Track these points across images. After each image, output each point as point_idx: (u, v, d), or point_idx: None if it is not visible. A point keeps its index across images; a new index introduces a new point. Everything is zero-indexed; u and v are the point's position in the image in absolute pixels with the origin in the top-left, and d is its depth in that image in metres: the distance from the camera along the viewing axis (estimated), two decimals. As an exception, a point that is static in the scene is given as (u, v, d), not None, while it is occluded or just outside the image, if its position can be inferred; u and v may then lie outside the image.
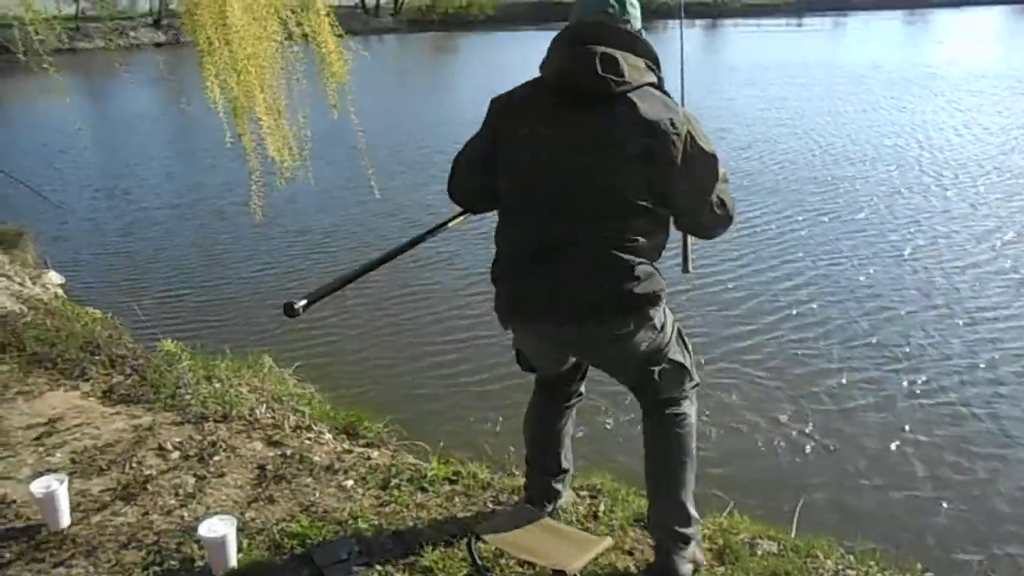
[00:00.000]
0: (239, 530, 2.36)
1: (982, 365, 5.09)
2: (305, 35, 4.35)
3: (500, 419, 4.38)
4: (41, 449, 3.00)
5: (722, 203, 2.12)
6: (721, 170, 2.08)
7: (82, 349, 3.90)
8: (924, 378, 4.95)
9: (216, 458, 2.93)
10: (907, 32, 36.55)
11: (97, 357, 3.83)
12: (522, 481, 2.67)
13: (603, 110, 1.97)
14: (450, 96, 19.04)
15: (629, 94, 1.97)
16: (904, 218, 8.27)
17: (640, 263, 2.02)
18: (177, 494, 2.71)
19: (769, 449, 4.23)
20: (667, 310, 2.17)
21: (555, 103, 2.03)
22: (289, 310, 2.02)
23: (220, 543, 2.26)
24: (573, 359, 2.37)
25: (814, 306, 6.09)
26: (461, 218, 2.36)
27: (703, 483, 2.59)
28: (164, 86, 17.49)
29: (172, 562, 2.36)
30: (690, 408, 2.26)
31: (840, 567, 2.50)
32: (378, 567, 2.33)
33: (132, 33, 31.49)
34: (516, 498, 2.68)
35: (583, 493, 2.77)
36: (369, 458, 3.03)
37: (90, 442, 3.04)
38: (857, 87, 17.54)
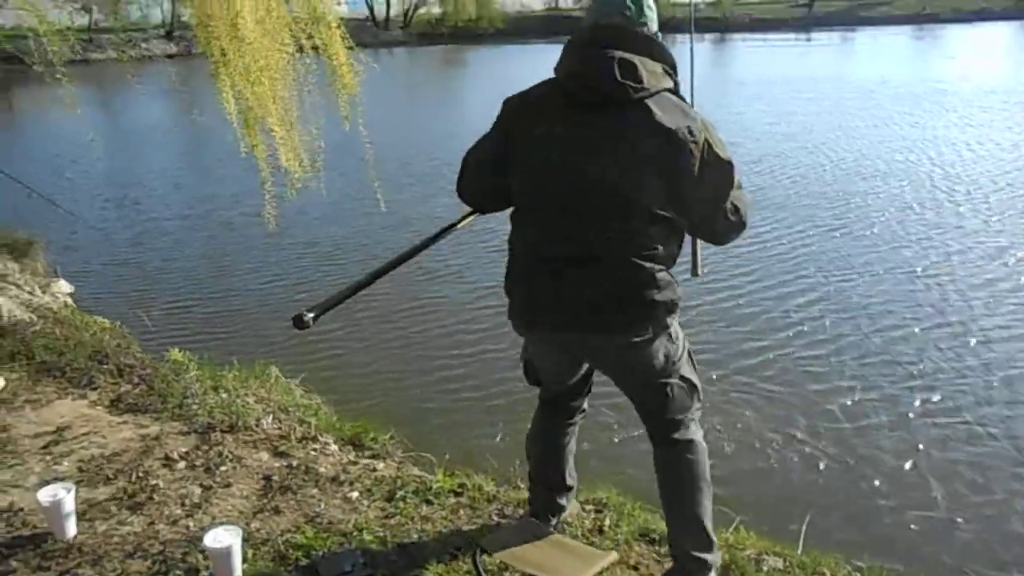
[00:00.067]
0: (244, 540, 2.36)
1: (997, 384, 5.03)
2: (316, 47, 4.38)
3: (505, 432, 4.37)
4: (48, 458, 3.00)
5: (736, 209, 2.11)
6: (736, 177, 2.07)
7: (90, 358, 3.92)
8: (938, 396, 4.89)
9: (222, 468, 2.94)
10: (916, 47, 36.52)
11: (105, 366, 3.84)
12: (527, 494, 2.67)
13: (619, 115, 1.96)
14: (459, 109, 19.12)
15: (647, 100, 1.95)
16: (917, 234, 8.21)
17: (660, 270, 2.02)
18: (183, 504, 2.71)
19: (778, 465, 4.21)
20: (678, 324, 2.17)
21: (570, 105, 2.01)
22: (299, 322, 1.96)
23: (225, 553, 2.25)
24: (583, 371, 2.35)
25: (826, 322, 6.05)
26: (471, 218, 2.33)
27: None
28: (176, 97, 17.62)
29: (177, 572, 2.35)
30: (698, 432, 2.25)
31: (847, 584, 2.49)
32: (383, 579, 2.32)
33: (144, 44, 31.76)
34: (521, 511, 2.67)
35: (588, 507, 2.77)
36: (375, 470, 3.03)
37: (97, 451, 3.04)
38: (867, 102, 17.50)
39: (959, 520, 3.75)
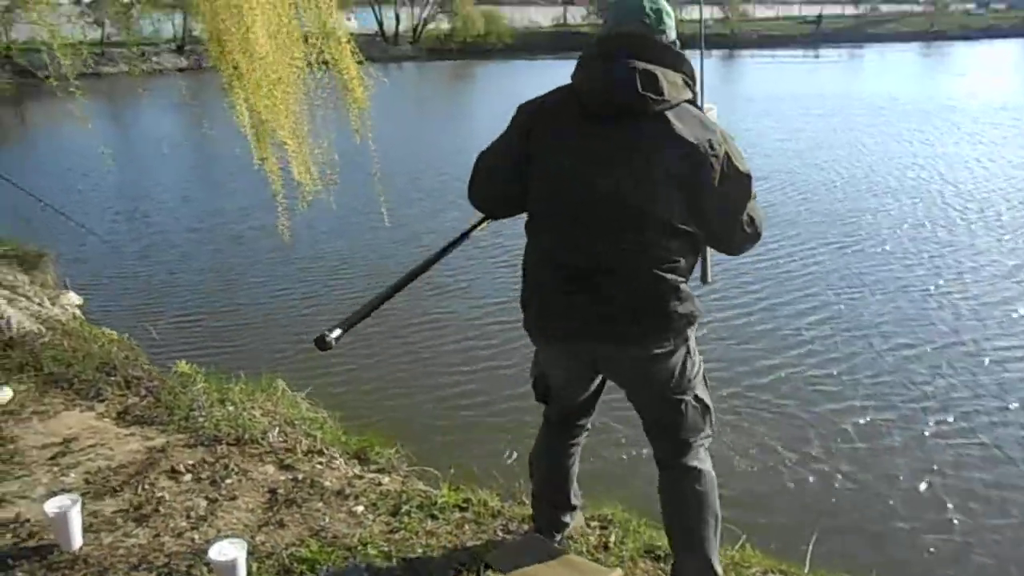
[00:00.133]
0: (249, 554, 2.36)
1: (1014, 406, 4.99)
2: (326, 62, 4.41)
3: (511, 448, 4.37)
4: (56, 469, 3.01)
5: (751, 221, 2.10)
6: (753, 189, 2.07)
7: (98, 370, 3.93)
8: (952, 417, 4.86)
9: (228, 481, 2.94)
10: (924, 64, 36.54)
11: (113, 378, 3.85)
12: (531, 510, 2.66)
13: (637, 127, 1.94)
14: (468, 124, 19.18)
15: (666, 112, 1.94)
16: (929, 252, 8.19)
17: (682, 282, 2.02)
18: (188, 516, 2.71)
19: (790, 483, 4.19)
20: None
21: (587, 114, 1.99)
22: (321, 343, 1.87)
23: (230, 567, 2.25)
24: (594, 387, 2.34)
25: (838, 340, 6.02)
26: (484, 224, 2.32)
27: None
28: (186, 111, 17.73)
29: (182, 585, 2.36)
30: (707, 461, 2.23)
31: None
32: (387, 594, 2.32)
33: (156, 58, 31.96)
34: (526, 527, 2.67)
35: (593, 523, 2.76)
36: (380, 484, 3.02)
37: (104, 463, 3.05)
38: (876, 118, 17.51)
39: (974, 543, 3.71)
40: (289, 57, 4.23)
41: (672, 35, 2.07)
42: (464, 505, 2.84)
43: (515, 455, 4.22)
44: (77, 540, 2.50)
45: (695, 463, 2.19)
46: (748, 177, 2.03)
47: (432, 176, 12.28)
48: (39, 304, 5.38)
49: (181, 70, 30.93)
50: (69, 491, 2.72)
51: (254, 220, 9.83)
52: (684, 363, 2.11)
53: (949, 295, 6.95)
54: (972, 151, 13.58)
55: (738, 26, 49.28)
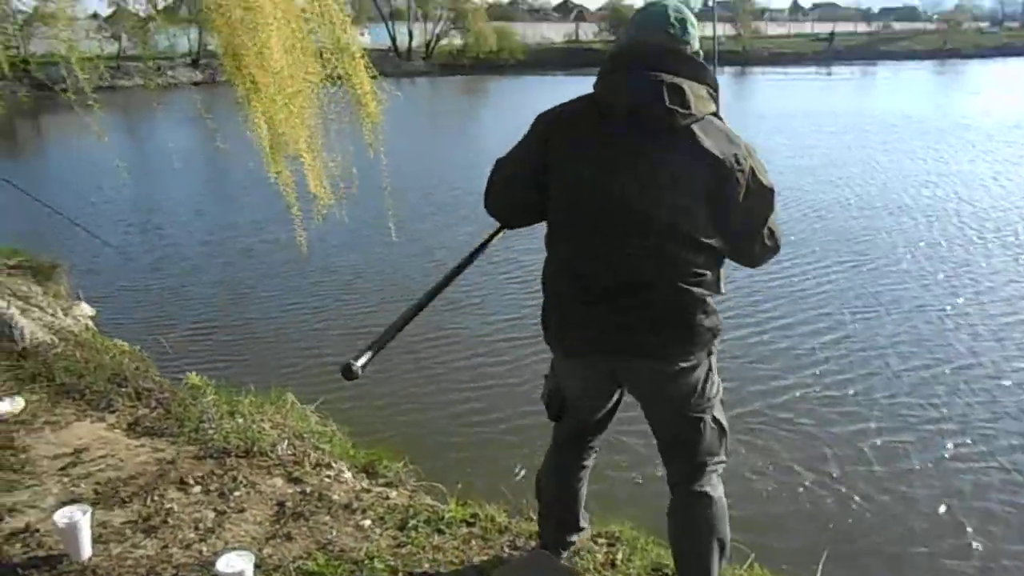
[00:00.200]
0: (256, 566, 2.36)
1: (1036, 430, 4.89)
2: (339, 76, 4.45)
3: (518, 464, 4.35)
4: (66, 479, 3.03)
5: (772, 234, 2.10)
6: (775, 203, 2.06)
7: (110, 381, 3.95)
8: (971, 439, 4.78)
9: (236, 493, 2.94)
10: (938, 82, 36.49)
11: (124, 389, 3.87)
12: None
13: (662, 141, 1.91)
14: (480, 139, 19.25)
15: (692, 126, 1.91)
16: (945, 271, 8.09)
17: (708, 295, 2.01)
18: (197, 528, 2.72)
19: (801, 504, 4.14)
20: None
21: (610, 125, 1.95)
22: (347, 372, 1.78)
23: (237, 579, 2.26)
24: (611, 404, 2.31)
25: (854, 360, 5.96)
26: (500, 234, 2.31)
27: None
28: (200, 124, 17.81)
29: (189, 597, 2.36)
30: (719, 488, 2.20)
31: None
32: (393, 609, 2.31)
33: (171, 72, 32.29)
34: (533, 543, 2.66)
35: (601, 540, 2.74)
36: (387, 498, 3.02)
37: (114, 473, 3.06)
38: (889, 136, 17.46)
39: (995, 569, 3.65)
40: (304, 71, 4.27)
41: (696, 45, 2.04)
42: (471, 520, 2.83)
43: (523, 472, 4.21)
44: (86, 550, 2.51)
45: (707, 489, 2.17)
46: (771, 191, 2.02)
47: (444, 191, 12.32)
48: (52, 315, 5.41)
49: (196, 84, 31.25)
50: (79, 501, 2.73)
51: (266, 234, 9.89)
52: (706, 380, 2.10)
53: (967, 315, 6.85)
54: (988, 169, 13.47)
55: (750, 43, 49.46)
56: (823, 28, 60.00)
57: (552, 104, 2.13)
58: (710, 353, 2.09)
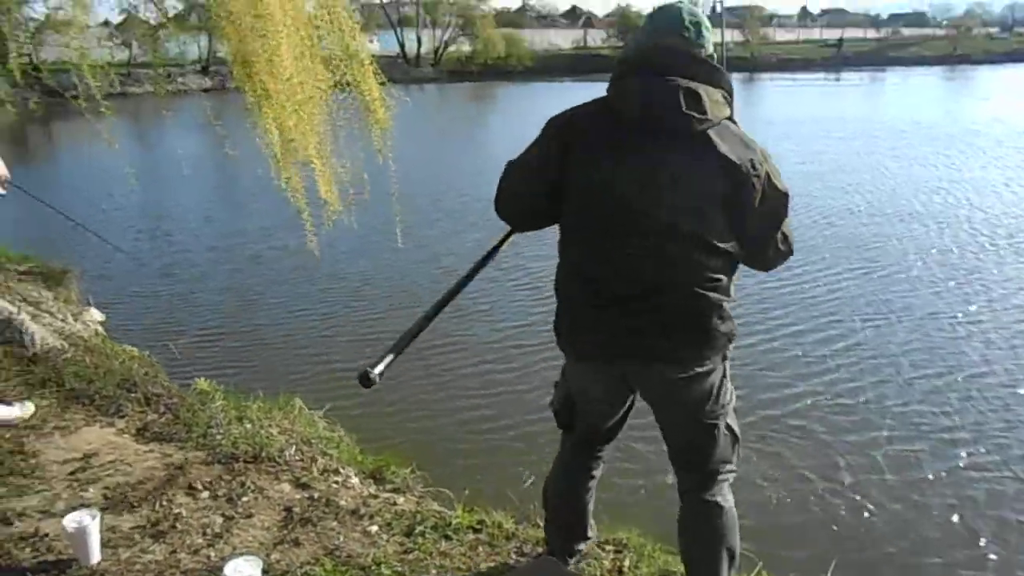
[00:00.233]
0: (264, 572, 2.36)
1: (1053, 440, 4.84)
2: (347, 83, 4.47)
3: (526, 471, 4.34)
4: (75, 484, 3.04)
5: (785, 238, 2.09)
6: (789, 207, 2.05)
7: (119, 386, 3.97)
8: (984, 448, 4.74)
9: (244, 499, 2.95)
10: (947, 88, 36.39)
11: (133, 394, 3.89)
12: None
13: (678, 145, 1.90)
14: (489, 145, 19.28)
15: (708, 131, 1.90)
16: (956, 278, 8.04)
17: (724, 300, 2.01)
18: (205, 533, 2.72)
19: (812, 513, 4.12)
20: None
21: (625, 130, 1.94)
22: (365, 380, 1.80)
23: (245, 584, 2.26)
24: (623, 411, 2.29)
25: (866, 368, 5.92)
26: (510, 238, 2.30)
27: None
28: (209, 131, 17.91)
29: (197, 602, 2.37)
30: (730, 498, 2.20)
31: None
32: (400, 615, 2.31)
33: (181, 79, 32.45)
34: (540, 549, 2.66)
35: (608, 547, 2.74)
36: (395, 504, 3.03)
37: (123, 479, 3.07)
38: (899, 142, 17.40)
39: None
40: (314, 78, 4.29)
41: (710, 48, 2.03)
42: (478, 527, 2.83)
43: (531, 479, 4.20)
44: (95, 555, 2.52)
45: (719, 499, 2.16)
46: (786, 196, 2.02)
47: (452, 197, 12.35)
48: (62, 320, 5.44)
49: (205, 90, 31.37)
50: (88, 506, 2.75)
51: (275, 240, 9.93)
52: (720, 385, 2.09)
53: (979, 323, 6.80)
54: (999, 175, 13.39)
55: (758, 49, 49.44)
56: (832, 34, 59.91)
57: (560, 109, 2.11)
58: (725, 358, 2.09)
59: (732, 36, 47.61)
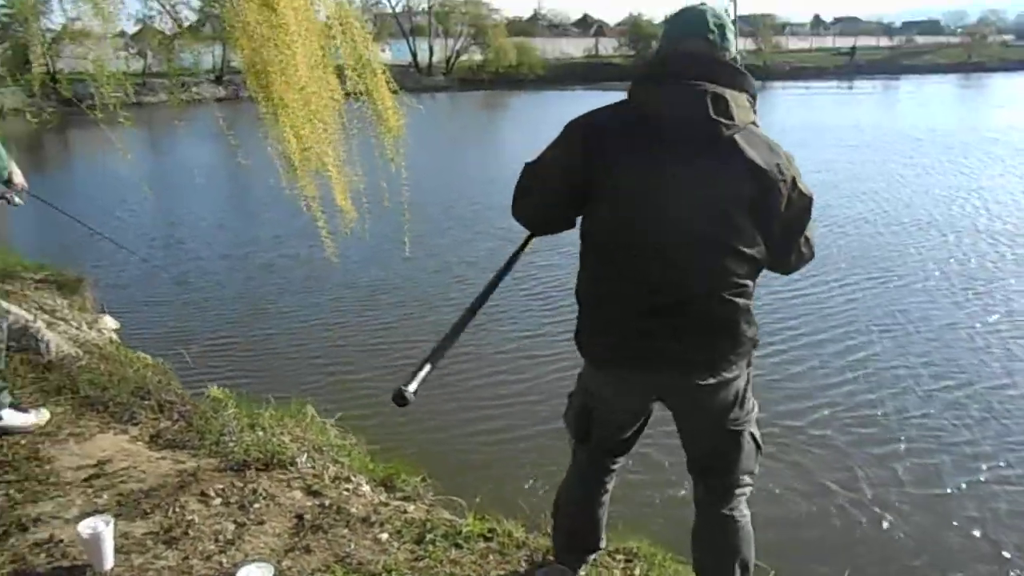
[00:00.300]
0: (275, 579, 2.38)
1: (1078, 450, 4.77)
2: (360, 92, 4.50)
3: (537, 480, 4.35)
4: (90, 490, 3.06)
5: (807, 241, 2.09)
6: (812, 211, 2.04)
7: (133, 394, 4.00)
8: (1006, 462, 4.67)
9: (256, 505, 2.96)
10: (962, 96, 36.20)
11: (147, 402, 3.92)
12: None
13: (707, 152, 1.88)
14: (500, 154, 19.32)
15: (735, 136, 1.89)
16: (975, 288, 7.95)
17: (750, 305, 2.00)
18: (217, 540, 2.74)
19: (831, 525, 4.09)
20: None
21: (652, 136, 1.91)
22: (400, 399, 1.78)
23: (256, 591, 2.27)
24: (639, 423, 2.27)
25: (883, 379, 5.86)
26: (530, 244, 2.26)
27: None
28: (222, 140, 18.03)
29: (209, 608, 2.38)
30: (747, 512, 2.19)
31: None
32: (411, 622, 2.32)
33: (195, 88, 32.69)
34: (551, 558, 2.65)
35: (619, 556, 2.74)
36: (405, 512, 3.03)
37: (136, 485, 3.09)
38: (914, 150, 17.30)
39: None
40: (328, 87, 4.33)
41: (733, 51, 2.01)
42: (489, 535, 2.83)
43: (543, 488, 4.20)
44: (109, 561, 2.54)
45: (735, 514, 2.15)
46: (811, 200, 2.01)
47: (464, 205, 12.37)
48: (77, 328, 5.49)
49: (219, 99, 31.62)
50: (102, 512, 2.77)
51: (287, 249, 9.99)
52: (745, 391, 2.08)
53: (999, 333, 6.71)
54: (1018, 184, 13.24)
55: (770, 57, 49.36)
56: (844, 42, 59.73)
57: (571, 118, 2.08)
58: (749, 364, 2.08)
59: (745, 44, 47.59)
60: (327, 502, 3.03)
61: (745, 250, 1.93)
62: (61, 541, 2.68)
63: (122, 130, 4.47)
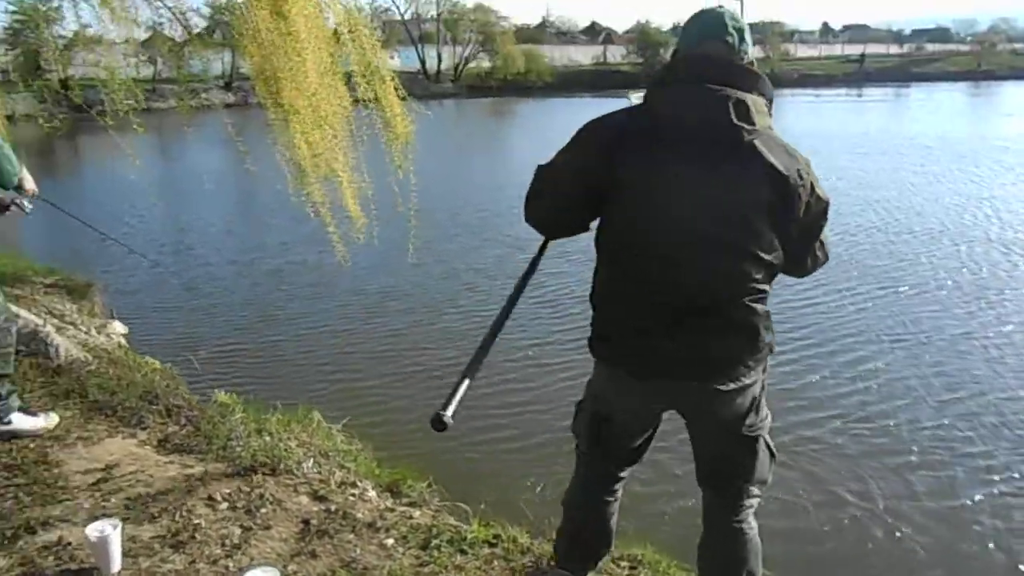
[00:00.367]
0: (281, 583, 2.38)
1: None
2: (369, 99, 4.52)
3: (543, 487, 4.34)
4: (98, 494, 3.07)
5: (822, 244, 2.09)
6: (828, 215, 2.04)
7: (141, 398, 4.02)
8: (1019, 473, 4.63)
9: (262, 510, 2.97)
10: (973, 104, 36.09)
11: (155, 406, 3.93)
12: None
13: (728, 157, 1.86)
14: (508, 161, 19.34)
15: (755, 141, 1.87)
16: (989, 298, 7.89)
17: (767, 311, 1.99)
18: (223, 544, 2.75)
19: (845, 538, 4.05)
20: None
21: (671, 140, 1.89)
22: (438, 424, 1.72)
23: (262, 595, 2.28)
24: (650, 433, 2.24)
25: (896, 389, 5.81)
26: (547, 249, 2.25)
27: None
28: (231, 146, 18.12)
29: (215, 612, 2.38)
30: (755, 524, 2.18)
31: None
32: (416, 628, 2.32)
33: (204, 94, 32.83)
34: (554, 563, 2.66)
35: (623, 563, 2.74)
36: (411, 517, 3.04)
37: (144, 489, 3.11)
38: (925, 158, 17.23)
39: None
40: (337, 94, 4.36)
41: (751, 54, 2.00)
42: (494, 541, 2.84)
43: (548, 495, 4.20)
44: (116, 564, 2.55)
45: (744, 526, 2.14)
46: (828, 204, 2.00)
47: (471, 212, 12.39)
48: (86, 332, 5.51)
49: (228, 106, 31.74)
50: (110, 516, 2.78)
51: (294, 255, 10.02)
52: (760, 397, 2.07)
53: (1012, 344, 6.66)
54: (1032, 193, 13.13)
55: (779, 65, 49.28)
56: (854, 50, 59.65)
57: (579, 125, 2.06)
58: (765, 370, 2.07)
59: (753, 52, 47.40)
60: (333, 507, 3.04)
61: (764, 255, 1.92)
62: (69, 544, 2.70)
63: (132, 136, 4.50)
